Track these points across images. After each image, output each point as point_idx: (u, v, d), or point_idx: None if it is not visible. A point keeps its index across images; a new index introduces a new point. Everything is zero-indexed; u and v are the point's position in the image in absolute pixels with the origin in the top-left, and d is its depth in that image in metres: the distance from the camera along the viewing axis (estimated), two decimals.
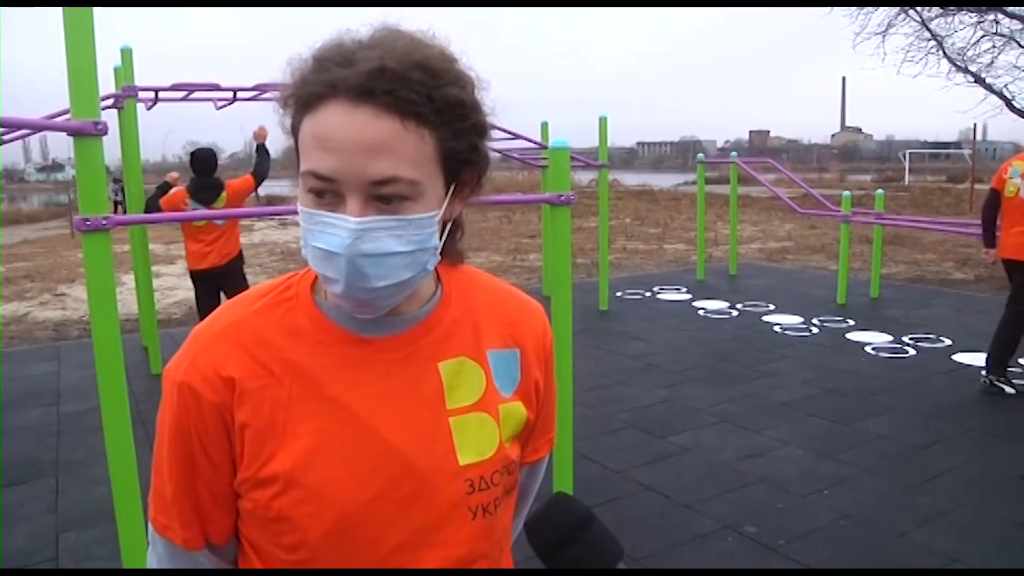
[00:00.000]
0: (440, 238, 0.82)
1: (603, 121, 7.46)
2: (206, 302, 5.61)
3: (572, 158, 4.13)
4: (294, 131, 0.79)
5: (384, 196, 0.75)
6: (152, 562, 0.92)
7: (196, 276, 5.61)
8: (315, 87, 0.75)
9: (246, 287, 5.90)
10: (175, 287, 9.93)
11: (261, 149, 5.86)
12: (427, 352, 0.87)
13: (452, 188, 0.82)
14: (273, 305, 0.87)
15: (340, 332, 0.85)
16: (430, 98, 0.74)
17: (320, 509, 0.81)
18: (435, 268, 0.88)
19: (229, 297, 5.89)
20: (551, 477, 3.27)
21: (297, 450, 0.81)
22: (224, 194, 5.50)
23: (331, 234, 0.75)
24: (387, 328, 0.86)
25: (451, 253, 0.91)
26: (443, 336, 0.88)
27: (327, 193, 0.76)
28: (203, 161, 5.53)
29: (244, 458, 0.83)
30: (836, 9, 13.75)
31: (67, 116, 2.63)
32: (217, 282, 5.54)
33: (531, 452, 1.00)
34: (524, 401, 0.94)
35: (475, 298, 0.93)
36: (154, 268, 8.30)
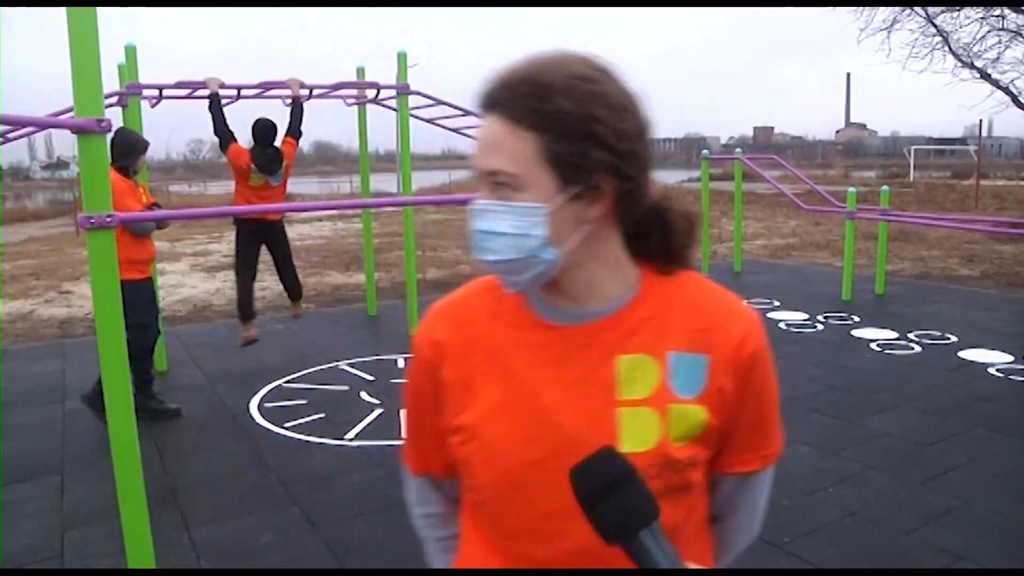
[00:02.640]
0: (563, 233, 0.91)
1: None
2: (248, 251, 5.89)
3: None
4: None
5: (497, 185, 0.91)
6: (406, 483, 1.19)
7: (246, 227, 5.86)
8: (479, 98, 0.94)
9: (288, 246, 6.12)
10: (180, 284, 9.95)
11: (295, 105, 5.98)
12: (608, 345, 0.96)
13: (576, 190, 0.90)
14: (490, 288, 1.04)
15: (532, 317, 0.99)
16: (535, 109, 0.89)
17: (491, 459, 0.97)
18: (640, 274, 0.99)
19: (272, 252, 6.08)
20: None
21: (480, 408, 0.98)
22: (284, 163, 5.80)
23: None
24: (570, 318, 0.98)
25: (655, 258, 1.00)
26: (627, 332, 0.97)
27: (481, 184, 0.94)
28: (265, 130, 5.75)
29: (447, 408, 1.02)
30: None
31: (71, 114, 2.63)
32: (264, 236, 5.90)
33: (738, 463, 1.03)
34: (708, 406, 0.96)
35: (674, 303, 0.99)
36: (159, 266, 8.32)
